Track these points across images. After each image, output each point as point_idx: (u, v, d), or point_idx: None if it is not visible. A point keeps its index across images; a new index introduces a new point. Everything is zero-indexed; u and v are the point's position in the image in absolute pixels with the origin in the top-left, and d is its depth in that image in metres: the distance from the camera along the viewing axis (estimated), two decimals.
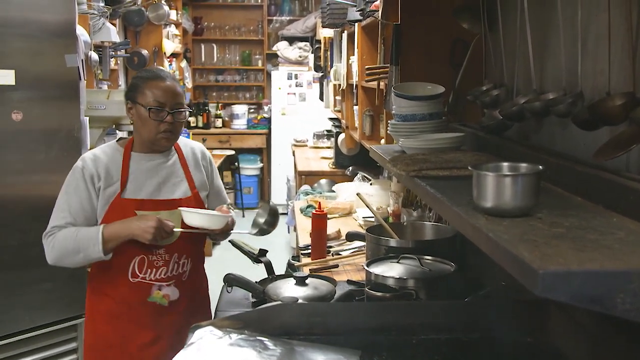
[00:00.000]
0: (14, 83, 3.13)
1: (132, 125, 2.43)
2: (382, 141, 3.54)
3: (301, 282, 2.37)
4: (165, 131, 2.30)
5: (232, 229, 2.44)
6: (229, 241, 2.63)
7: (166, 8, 6.65)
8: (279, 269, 2.92)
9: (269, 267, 2.62)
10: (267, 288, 2.39)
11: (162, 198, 2.34)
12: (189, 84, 8.44)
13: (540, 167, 1.24)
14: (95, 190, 2.28)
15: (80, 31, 3.62)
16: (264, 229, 2.56)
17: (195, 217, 2.28)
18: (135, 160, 2.34)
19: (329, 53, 5.95)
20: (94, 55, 4.35)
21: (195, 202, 2.39)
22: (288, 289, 2.34)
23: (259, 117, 9.19)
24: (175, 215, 2.30)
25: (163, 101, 2.29)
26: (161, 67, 2.79)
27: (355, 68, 4.29)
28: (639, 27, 1.29)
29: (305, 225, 3.81)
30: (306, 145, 7.62)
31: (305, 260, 3.15)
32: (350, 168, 5.18)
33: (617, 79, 1.37)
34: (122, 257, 2.30)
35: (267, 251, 2.66)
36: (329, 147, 6.89)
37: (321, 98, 6.71)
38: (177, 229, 2.28)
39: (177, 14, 7.74)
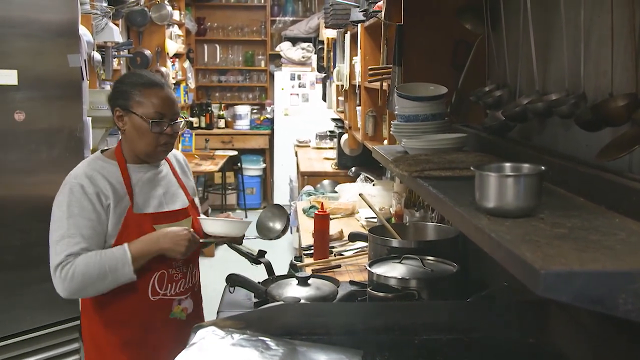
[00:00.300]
0: (16, 83, 3.14)
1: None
2: (385, 142, 3.54)
3: (303, 282, 2.37)
4: (164, 144, 2.19)
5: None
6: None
7: (169, 8, 6.66)
8: (281, 269, 2.92)
9: (269, 267, 2.61)
10: (269, 288, 2.39)
11: (168, 209, 2.24)
12: (191, 84, 8.45)
13: (543, 167, 1.24)
14: (104, 209, 2.10)
15: (83, 31, 3.63)
16: (280, 234, 2.54)
17: (218, 225, 2.24)
18: (133, 172, 2.20)
19: (331, 54, 5.96)
20: (97, 56, 4.36)
21: (194, 209, 2.34)
22: (290, 289, 2.34)
23: (261, 118, 9.20)
24: (187, 226, 2.24)
25: (163, 112, 2.16)
26: (148, 71, 2.58)
27: (358, 69, 4.29)
28: None
29: (307, 225, 3.81)
30: (309, 146, 7.63)
31: (307, 260, 3.15)
32: (353, 169, 5.19)
33: (619, 80, 1.37)
34: (141, 274, 2.13)
35: (265, 252, 2.63)
36: (331, 148, 6.89)
37: (324, 99, 6.72)
38: (207, 240, 2.25)
39: (180, 14, 7.74)
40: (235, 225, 2.27)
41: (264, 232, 2.56)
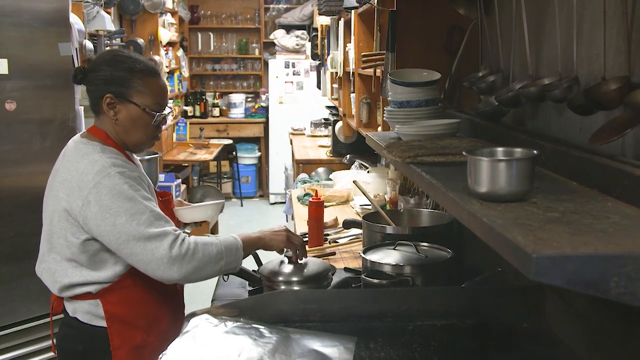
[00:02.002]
0: (7, 72, 3.12)
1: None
2: (379, 128, 3.53)
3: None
4: (157, 136, 2.11)
5: None
6: None
7: None
8: (277, 257, 2.91)
9: (256, 256, 2.58)
10: (260, 269, 2.37)
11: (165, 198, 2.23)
12: (185, 73, 8.41)
13: (535, 151, 1.24)
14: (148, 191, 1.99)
15: (74, 19, 3.60)
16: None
17: (195, 212, 2.25)
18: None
19: (325, 41, 5.93)
20: (89, 44, 4.33)
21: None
22: (283, 269, 2.31)
23: (256, 106, 9.17)
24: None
25: (162, 103, 2.06)
26: (137, 53, 2.36)
27: (352, 55, 4.28)
28: (634, 11, 1.28)
29: (302, 213, 3.81)
30: (304, 134, 7.62)
31: None
32: (348, 156, 5.18)
33: (612, 63, 1.36)
34: None
35: None
36: (326, 136, 6.88)
37: (318, 86, 6.69)
38: (186, 230, 2.25)
39: (173, 2, 7.70)
40: (210, 208, 2.27)
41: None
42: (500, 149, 1.30)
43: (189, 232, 2.24)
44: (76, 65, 3.43)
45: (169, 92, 7.29)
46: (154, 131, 2.07)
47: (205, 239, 1.95)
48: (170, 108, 2.19)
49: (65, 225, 1.94)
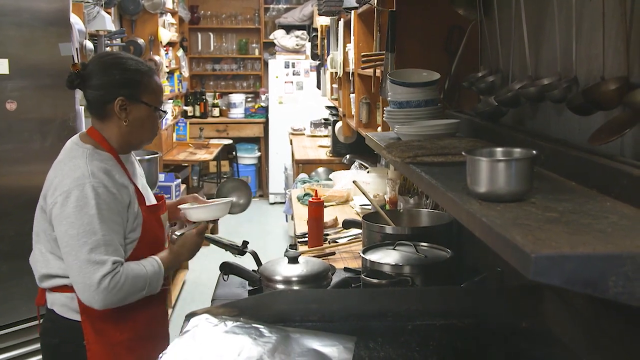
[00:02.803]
0: (7, 72, 3.12)
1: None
2: (379, 129, 3.53)
3: (294, 260, 2.35)
4: (157, 132, 2.17)
5: None
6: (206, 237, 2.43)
7: None
8: (276, 257, 2.91)
9: (256, 257, 2.59)
10: (260, 269, 2.37)
11: (154, 201, 2.20)
12: (185, 73, 8.41)
13: (534, 152, 1.24)
14: (125, 207, 1.99)
15: (75, 19, 3.60)
16: (244, 208, 2.53)
17: (203, 212, 2.24)
18: (125, 164, 2.10)
19: (325, 41, 5.93)
20: (89, 44, 4.32)
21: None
22: (282, 268, 2.32)
23: (256, 106, 9.17)
24: (166, 218, 2.25)
25: (162, 100, 2.15)
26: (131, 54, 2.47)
27: (351, 56, 4.28)
28: (632, 12, 1.29)
29: (302, 213, 3.82)
30: (303, 134, 7.62)
31: (302, 248, 3.16)
32: (348, 156, 5.19)
33: (611, 63, 1.37)
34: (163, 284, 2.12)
35: (248, 242, 2.55)
36: (326, 136, 6.88)
37: (318, 86, 6.70)
38: (190, 228, 2.25)
39: (173, 2, 7.69)
40: (219, 207, 2.26)
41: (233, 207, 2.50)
42: (499, 149, 1.30)
43: (178, 234, 2.23)
44: None
45: (169, 92, 7.30)
46: (156, 129, 2.15)
47: (137, 270, 1.96)
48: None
49: (42, 219, 2.03)
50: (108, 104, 2.02)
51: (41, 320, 2.18)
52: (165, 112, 2.16)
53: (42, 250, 2.04)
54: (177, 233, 2.23)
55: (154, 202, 2.20)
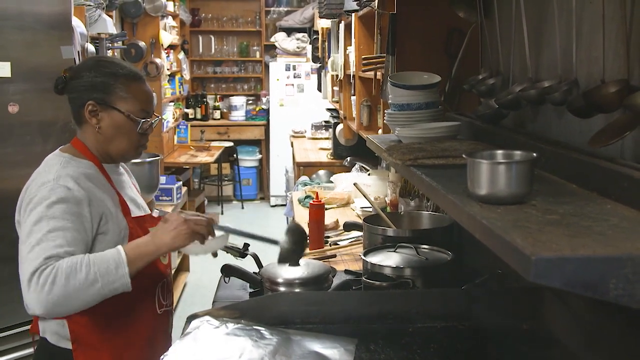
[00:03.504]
0: (9, 75, 3.13)
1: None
2: (380, 131, 3.53)
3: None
4: (143, 144, 1.96)
5: None
6: None
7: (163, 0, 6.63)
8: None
9: (257, 259, 2.59)
10: (262, 271, 2.37)
11: (145, 213, 2.03)
12: (186, 75, 8.42)
13: (534, 154, 1.24)
14: (92, 217, 1.80)
15: (76, 23, 3.61)
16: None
17: (197, 245, 1.90)
18: (109, 173, 1.95)
19: (326, 44, 5.94)
20: (91, 47, 4.33)
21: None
22: (283, 271, 2.31)
23: (257, 109, 9.18)
24: None
25: (148, 109, 1.93)
26: (120, 59, 2.34)
27: (352, 58, 4.29)
28: (632, 14, 1.29)
29: (303, 215, 3.81)
30: (304, 137, 7.62)
31: None
32: (349, 158, 5.18)
33: (611, 66, 1.37)
34: (147, 284, 1.89)
35: (249, 245, 2.51)
36: (327, 138, 6.89)
37: (319, 89, 6.70)
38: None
39: (174, 5, 7.71)
40: (214, 242, 1.96)
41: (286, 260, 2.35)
42: (499, 152, 1.30)
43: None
44: None
45: (170, 95, 7.27)
46: (139, 139, 1.93)
47: (75, 261, 1.67)
48: (158, 116, 2.05)
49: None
50: (80, 108, 1.90)
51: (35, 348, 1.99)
52: (147, 121, 1.92)
53: None
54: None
55: (141, 214, 2.01)
